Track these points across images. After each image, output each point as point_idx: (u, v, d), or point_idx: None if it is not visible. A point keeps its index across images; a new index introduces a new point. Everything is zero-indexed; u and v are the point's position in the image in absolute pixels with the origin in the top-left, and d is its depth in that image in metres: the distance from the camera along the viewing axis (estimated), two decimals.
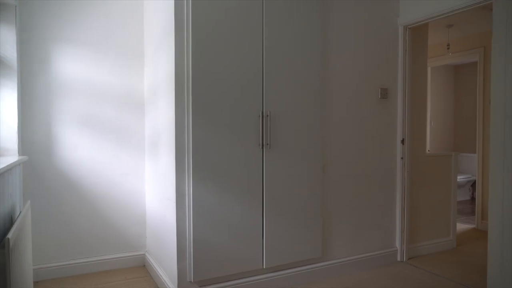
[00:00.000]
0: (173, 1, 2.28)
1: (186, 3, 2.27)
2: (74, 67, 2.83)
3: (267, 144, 2.50)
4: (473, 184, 5.88)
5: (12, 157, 2.26)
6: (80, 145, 2.87)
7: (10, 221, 1.95)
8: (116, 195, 3.01)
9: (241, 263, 2.45)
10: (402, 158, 3.15)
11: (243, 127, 2.43)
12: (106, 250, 2.99)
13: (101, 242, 2.97)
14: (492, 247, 2.41)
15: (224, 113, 2.37)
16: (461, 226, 4.35)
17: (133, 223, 3.08)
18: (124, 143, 3.02)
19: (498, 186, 2.36)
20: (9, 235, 1.54)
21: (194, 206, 2.30)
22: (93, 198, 2.93)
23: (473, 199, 5.92)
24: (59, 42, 2.78)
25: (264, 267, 2.53)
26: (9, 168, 1.87)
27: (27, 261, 2.07)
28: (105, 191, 2.97)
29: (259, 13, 2.46)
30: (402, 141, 3.14)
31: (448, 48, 4.20)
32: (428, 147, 5.31)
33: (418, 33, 3.28)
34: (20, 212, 2.08)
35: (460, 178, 5.74)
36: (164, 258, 2.58)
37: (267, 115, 2.49)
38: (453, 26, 4.17)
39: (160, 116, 2.62)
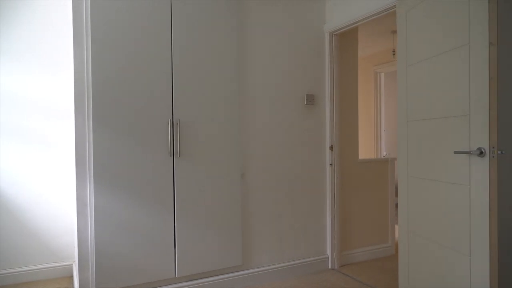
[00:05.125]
0: (71, 2, 2.28)
1: (85, 4, 2.27)
2: None
3: (177, 152, 2.49)
4: None
5: None
6: (2, 155, 2.86)
7: None
8: (42, 205, 2.99)
9: (150, 272, 2.43)
10: (331, 164, 3.13)
11: (151, 136, 2.42)
12: (32, 261, 2.95)
13: (26, 253, 2.93)
14: (401, 257, 2.38)
15: (129, 121, 2.36)
16: None
17: (61, 233, 3.05)
18: (52, 153, 3.01)
19: (404, 189, 2.34)
20: None
21: (97, 216, 2.28)
22: (17, 210, 2.91)
23: None
24: None
25: (176, 276, 2.50)
26: None
27: None
28: (30, 201, 2.95)
29: (166, 14, 2.46)
30: (331, 148, 3.13)
31: (394, 54, 4.19)
32: (384, 150, 5.28)
33: (347, 39, 3.28)
34: None
35: None
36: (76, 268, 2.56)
37: (177, 123, 2.49)
38: None
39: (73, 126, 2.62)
